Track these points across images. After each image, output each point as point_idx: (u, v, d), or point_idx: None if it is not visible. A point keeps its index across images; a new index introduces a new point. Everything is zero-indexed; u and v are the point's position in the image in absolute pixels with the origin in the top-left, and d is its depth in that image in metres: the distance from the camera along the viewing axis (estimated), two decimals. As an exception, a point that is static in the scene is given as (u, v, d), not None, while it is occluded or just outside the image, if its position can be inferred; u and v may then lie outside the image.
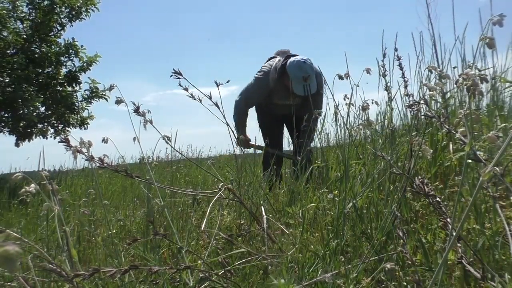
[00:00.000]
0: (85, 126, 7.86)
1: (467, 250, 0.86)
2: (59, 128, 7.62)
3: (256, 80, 2.69)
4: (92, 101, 7.66)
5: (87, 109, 7.74)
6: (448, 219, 0.81)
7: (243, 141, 2.79)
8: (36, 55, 6.88)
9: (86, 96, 7.60)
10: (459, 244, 0.82)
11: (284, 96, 2.65)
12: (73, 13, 7.17)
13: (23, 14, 6.88)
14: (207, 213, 1.17)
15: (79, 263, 0.78)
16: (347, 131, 1.69)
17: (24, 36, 6.77)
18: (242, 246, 1.12)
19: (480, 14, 1.80)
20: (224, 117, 1.36)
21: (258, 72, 2.72)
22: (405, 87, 1.67)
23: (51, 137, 7.58)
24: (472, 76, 0.60)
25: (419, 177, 0.84)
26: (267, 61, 2.83)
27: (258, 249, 1.23)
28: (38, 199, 2.26)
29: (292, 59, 2.53)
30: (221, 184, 1.16)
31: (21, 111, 6.72)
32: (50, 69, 7.20)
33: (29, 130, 7.16)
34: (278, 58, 2.72)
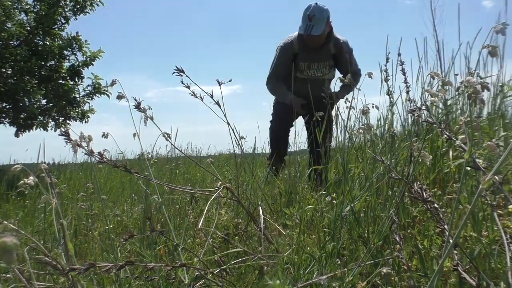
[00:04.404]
0: (86, 119, 7.87)
1: (463, 257, 0.86)
2: (60, 121, 7.62)
3: (279, 48, 2.68)
4: (94, 97, 7.67)
5: (88, 103, 7.76)
6: (445, 226, 0.82)
7: (295, 102, 2.60)
8: (40, 48, 6.87)
9: (88, 91, 7.61)
10: (455, 251, 0.82)
11: (309, 58, 2.63)
12: (78, 6, 7.17)
13: (28, 6, 6.87)
14: (205, 212, 1.17)
15: (75, 257, 0.78)
16: (347, 134, 1.70)
17: (28, 28, 6.76)
18: (238, 245, 1.12)
19: (499, 20, 1.80)
20: (225, 116, 1.36)
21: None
22: (407, 92, 1.67)
23: (51, 129, 7.60)
24: (474, 84, 0.60)
25: (418, 182, 0.84)
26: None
27: (254, 249, 1.23)
28: (37, 192, 2.26)
29: None
30: (220, 183, 1.16)
31: (22, 103, 6.73)
32: (53, 62, 7.20)
33: (29, 122, 7.17)
34: None
